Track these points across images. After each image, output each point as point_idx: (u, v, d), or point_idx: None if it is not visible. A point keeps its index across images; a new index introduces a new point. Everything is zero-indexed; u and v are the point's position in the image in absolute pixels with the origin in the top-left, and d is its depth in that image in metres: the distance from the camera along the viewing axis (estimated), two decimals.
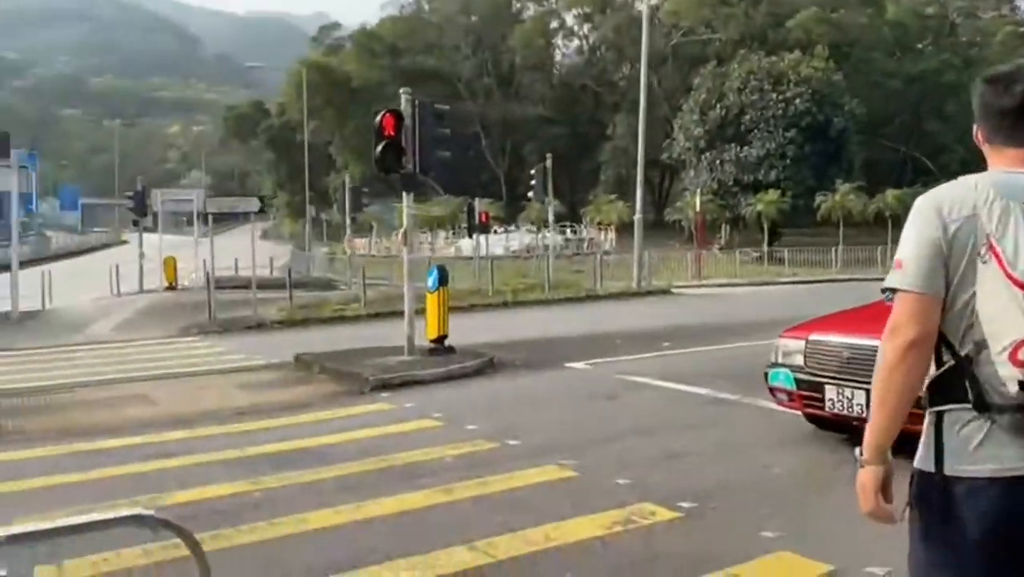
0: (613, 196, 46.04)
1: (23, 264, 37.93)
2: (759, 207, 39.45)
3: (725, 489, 5.88)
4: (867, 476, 2.21)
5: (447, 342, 11.99)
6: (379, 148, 11.23)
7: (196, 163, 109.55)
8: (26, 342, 16.36)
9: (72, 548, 5.02)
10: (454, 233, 48.14)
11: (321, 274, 35.21)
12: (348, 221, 30.22)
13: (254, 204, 18.57)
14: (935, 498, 2.13)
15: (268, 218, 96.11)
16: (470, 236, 33.66)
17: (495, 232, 47.39)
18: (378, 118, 11.25)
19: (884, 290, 2.23)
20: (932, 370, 2.17)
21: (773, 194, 39.28)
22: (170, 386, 10.97)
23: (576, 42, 65.29)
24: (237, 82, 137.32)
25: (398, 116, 11.23)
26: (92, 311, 22.08)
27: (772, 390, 7.13)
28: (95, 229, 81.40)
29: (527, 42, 58.71)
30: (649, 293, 24.22)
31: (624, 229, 40.10)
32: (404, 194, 11.72)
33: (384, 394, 9.90)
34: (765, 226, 39.65)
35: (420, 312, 12.21)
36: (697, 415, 8.33)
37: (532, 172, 27.32)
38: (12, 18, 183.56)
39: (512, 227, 48.86)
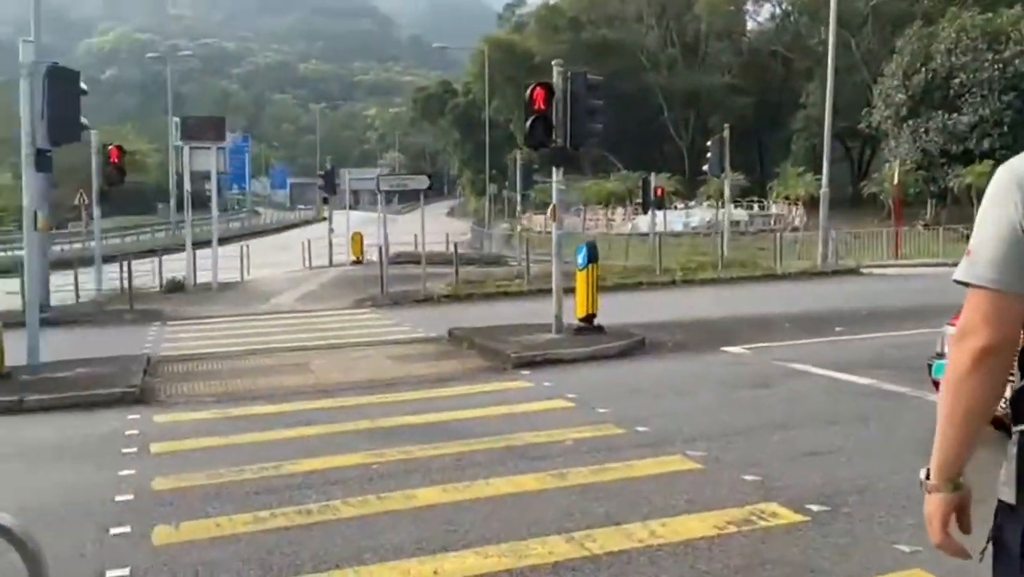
0: (802, 168, 43.42)
1: (235, 238, 41.59)
2: (969, 179, 35.84)
3: (863, 493, 5.28)
4: (934, 504, 1.82)
5: (596, 321, 11.72)
6: (528, 123, 11.08)
7: (392, 143, 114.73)
8: (219, 310, 17.76)
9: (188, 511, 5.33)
10: (633, 209, 47.40)
11: (498, 251, 35.76)
12: (519, 198, 30.53)
13: (423, 182, 19.04)
14: (1013, 536, 1.71)
15: (456, 195, 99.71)
16: (645, 212, 32.94)
17: (675, 208, 46.25)
18: (528, 92, 11.09)
19: (957, 282, 1.80)
20: (1017, 380, 1.74)
21: (986, 165, 35.47)
22: (330, 356, 11.46)
23: (767, 6, 62.06)
24: (431, 63, 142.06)
25: (548, 89, 11.02)
26: (282, 283, 23.63)
27: (936, 384, 6.34)
28: (301, 206, 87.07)
29: (714, 9, 56.46)
30: (835, 273, 22.60)
31: (815, 204, 37.81)
32: (553, 169, 11.51)
33: (525, 372, 9.81)
34: (976, 201, 35.99)
35: (571, 290, 12.02)
36: (852, 408, 7.61)
37: (708, 144, 26.17)
38: (232, 11, 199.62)
39: (692, 203, 47.40)
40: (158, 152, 67.19)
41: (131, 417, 8.11)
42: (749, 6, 63.25)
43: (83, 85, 10.26)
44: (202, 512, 5.36)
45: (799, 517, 4.88)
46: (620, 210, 48.69)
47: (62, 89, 9.66)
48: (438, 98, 71.89)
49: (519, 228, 34.82)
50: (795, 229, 36.34)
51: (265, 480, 5.97)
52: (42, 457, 6.82)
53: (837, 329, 12.28)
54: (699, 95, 57.43)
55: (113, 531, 5.05)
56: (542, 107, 11.05)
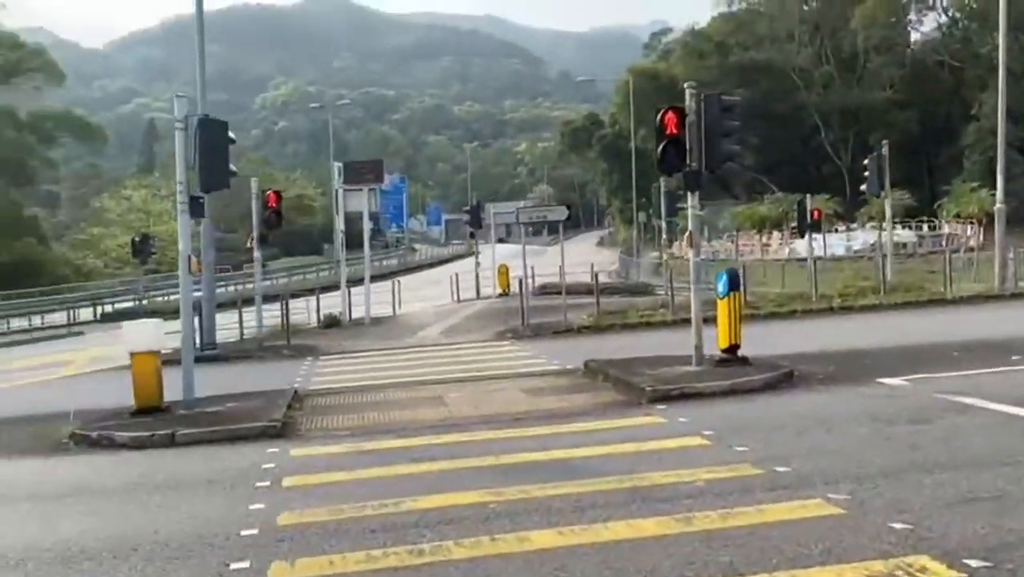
0: (976, 184, 40.20)
1: (392, 274, 43.19)
2: None
3: None
4: None
5: (741, 352, 11.14)
6: (660, 147, 10.76)
7: (541, 176, 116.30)
8: (368, 344, 18.33)
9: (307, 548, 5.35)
10: (790, 233, 45.44)
11: (647, 279, 35.16)
12: (664, 225, 29.93)
13: (562, 213, 19.01)
14: None
15: (605, 225, 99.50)
16: (801, 236, 31.42)
17: (835, 230, 43.95)
18: (659, 116, 10.79)
19: None
20: None
21: None
22: (465, 389, 11.48)
23: (931, 15, 58.44)
24: (579, 98, 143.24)
25: (680, 113, 10.67)
26: (430, 317, 24.17)
27: None
28: (455, 241, 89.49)
29: (871, 21, 53.66)
30: (1014, 297, 20.63)
31: (993, 222, 34.85)
32: (689, 194, 11.09)
33: (661, 406, 9.40)
34: None
35: (712, 320, 11.51)
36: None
37: (865, 163, 24.66)
38: (390, 60, 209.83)
39: (854, 224, 44.89)
40: (323, 196, 70.92)
41: (270, 451, 8.37)
42: (912, 16, 59.83)
43: (231, 135, 10.87)
44: (319, 549, 5.37)
45: (954, 573, 4.31)
46: (776, 234, 46.83)
47: (212, 139, 10.26)
48: (585, 130, 72.19)
49: (665, 256, 34.13)
50: (970, 249, 33.59)
51: (384, 517, 5.94)
52: (183, 489, 7.11)
53: (1014, 358, 11.09)
54: (858, 112, 54.67)
55: (233, 566, 5.14)
56: (674, 131, 10.72)
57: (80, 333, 28.37)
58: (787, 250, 42.74)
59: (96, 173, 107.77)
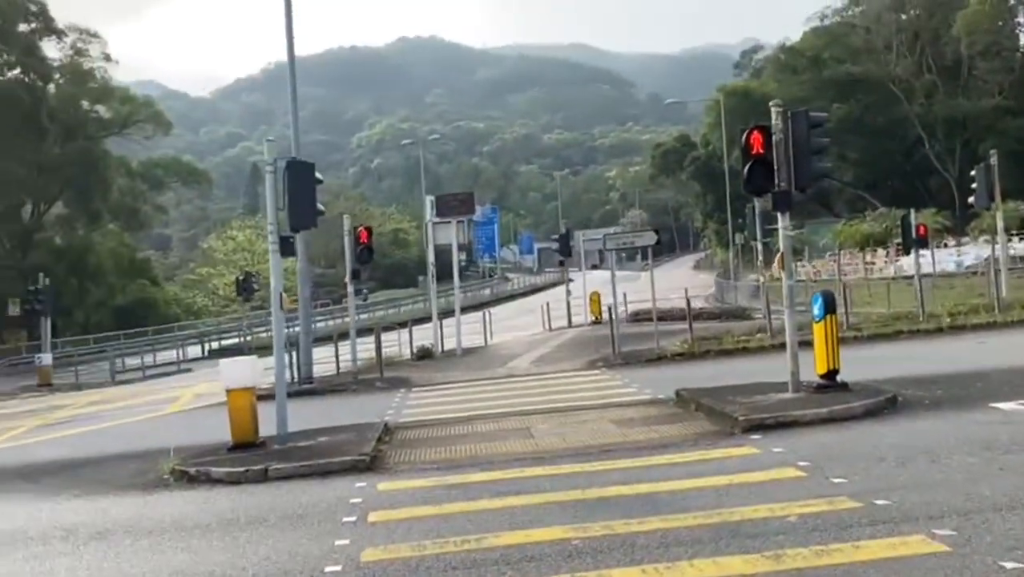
0: None
1: (485, 304, 43.60)
2: None
3: None
4: None
5: (840, 377, 10.66)
6: (746, 168, 10.49)
7: (633, 201, 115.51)
8: (459, 376, 18.42)
9: None
10: (896, 250, 43.58)
11: (745, 303, 34.27)
12: (760, 247, 29.14)
13: (651, 239, 18.72)
14: None
15: (701, 248, 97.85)
16: (907, 253, 30.10)
17: (944, 245, 41.94)
18: (744, 136, 10.53)
19: None
20: None
21: None
22: (553, 420, 11.34)
23: None
24: (669, 120, 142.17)
25: (766, 131, 10.39)
26: (521, 346, 24.15)
27: None
28: (548, 270, 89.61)
29: (975, 27, 51.30)
30: None
31: None
32: (779, 215, 10.75)
33: (755, 436, 9.06)
34: None
35: (810, 344, 11.08)
36: None
37: (972, 174, 23.45)
38: (480, 94, 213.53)
39: (965, 239, 42.71)
40: (418, 229, 72.35)
41: (358, 485, 8.44)
42: (1020, 19, 57.00)
43: (318, 175, 11.17)
44: None
45: None
46: (880, 252, 44.99)
47: (300, 180, 10.57)
48: (676, 152, 71.38)
49: (761, 279, 33.23)
50: None
51: (465, 553, 5.88)
52: (272, 524, 7.22)
53: None
54: (964, 121, 52.26)
55: None
56: (760, 150, 10.45)
57: (189, 370, 29.59)
58: (892, 268, 40.99)
59: (204, 215, 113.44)
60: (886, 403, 9.87)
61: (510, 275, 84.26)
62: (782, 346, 17.05)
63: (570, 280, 34.21)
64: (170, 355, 33.01)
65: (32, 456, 12.62)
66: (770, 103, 10.91)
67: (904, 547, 5.17)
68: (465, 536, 6.25)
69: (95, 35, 50.29)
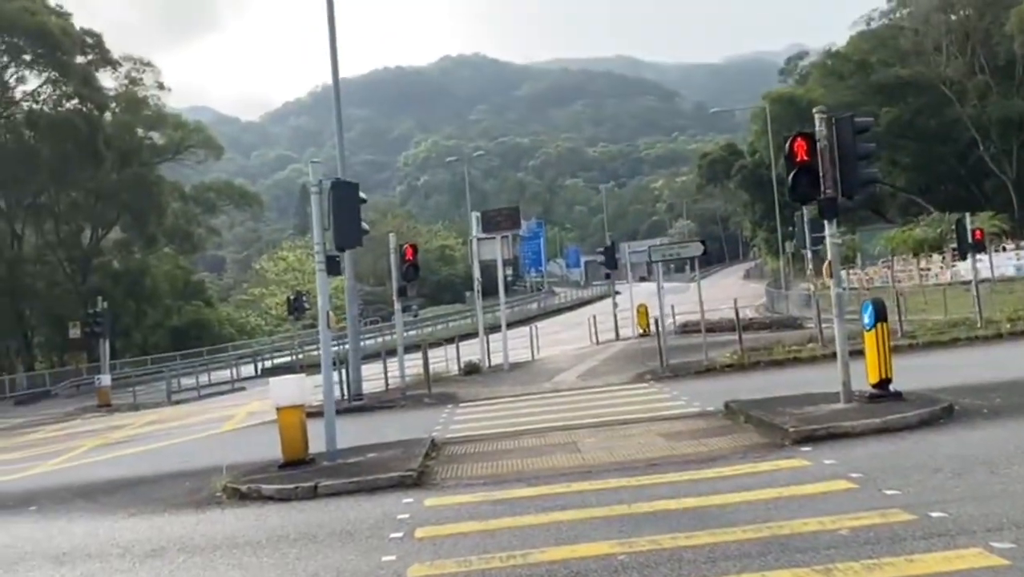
0: None
1: (532, 319, 43.65)
2: None
3: None
4: None
5: (893, 386, 10.43)
6: (791, 176, 10.36)
7: (681, 212, 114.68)
8: (506, 390, 18.43)
9: None
10: (951, 255, 42.50)
11: (796, 312, 33.73)
12: (810, 255, 28.65)
13: (697, 249, 18.58)
14: None
15: (751, 257, 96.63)
16: (963, 258, 29.33)
17: (1003, 249, 40.80)
18: (788, 144, 10.40)
19: None
20: None
21: None
22: (600, 434, 11.28)
23: None
24: (715, 129, 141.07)
25: (810, 138, 10.25)
26: (568, 360, 24.08)
27: None
28: (595, 283, 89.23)
29: None
30: None
31: None
32: (825, 222, 10.58)
33: (805, 448, 8.90)
34: None
35: (860, 353, 10.86)
36: None
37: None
38: (524, 109, 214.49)
39: None
40: (464, 245, 72.78)
41: (405, 501, 8.49)
42: None
43: (362, 195, 11.32)
44: None
45: None
46: (935, 257, 43.93)
47: (344, 200, 10.71)
48: (723, 161, 70.67)
49: (812, 288, 32.69)
50: None
51: (511, 569, 5.88)
52: (321, 541, 7.30)
53: None
54: (1021, 121, 50.87)
55: None
56: (805, 158, 10.31)
57: (242, 389, 30.08)
58: (949, 274, 40.00)
59: (257, 237, 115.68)
60: (942, 412, 9.62)
61: (557, 289, 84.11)
62: (834, 356, 16.77)
63: (617, 293, 34.04)
64: (224, 374, 33.60)
65: (91, 475, 12.95)
66: (814, 109, 10.77)
67: (960, 561, 5.03)
68: (511, 552, 6.25)
69: (149, 64, 51.88)
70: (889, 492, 6.75)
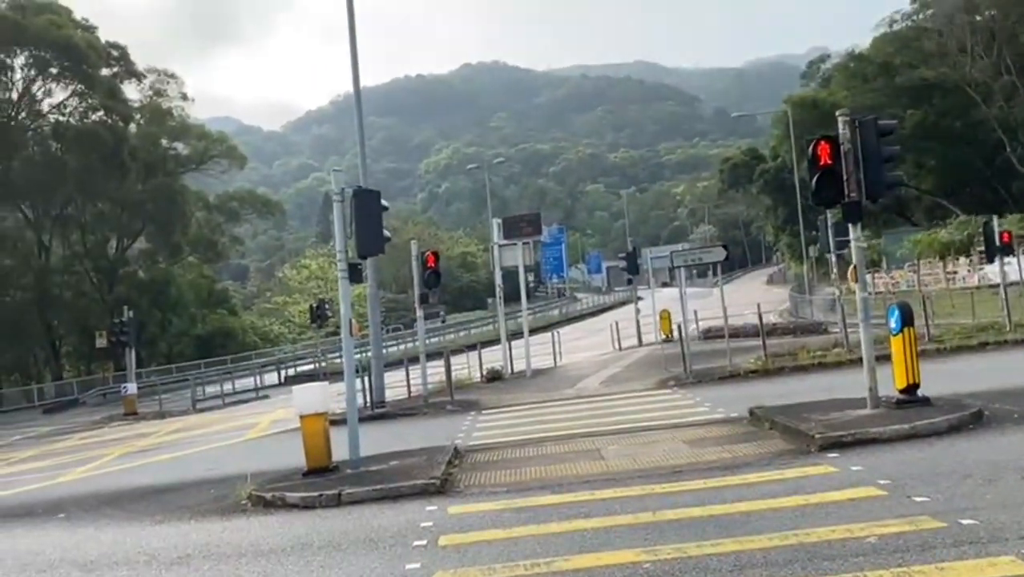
0: None
1: (554, 325, 43.55)
2: None
3: None
4: None
5: (921, 392, 10.29)
6: (814, 179, 10.27)
7: (703, 217, 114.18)
8: (529, 397, 18.40)
9: None
10: (979, 258, 41.93)
11: (821, 317, 33.43)
12: (834, 259, 28.38)
13: (719, 254, 18.49)
14: None
15: (775, 262, 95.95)
16: (990, 261, 28.94)
17: None
18: (810, 147, 10.32)
19: None
20: None
21: None
22: (623, 441, 11.23)
23: None
24: (737, 134, 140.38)
25: (833, 141, 10.17)
26: (591, 366, 24.01)
27: None
28: (618, 288, 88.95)
29: None
30: None
31: None
32: (850, 226, 10.48)
33: (832, 454, 8.80)
34: None
35: (887, 358, 10.73)
36: None
37: None
38: (544, 115, 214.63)
39: None
40: (485, 251, 72.80)
41: (428, 509, 8.49)
42: None
43: (384, 202, 11.36)
44: None
45: None
46: (963, 260, 43.37)
47: (366, 208, 10.76)
48: (745, 166, 70.25)
49: (837, 292, 32.41)
50: None
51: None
52: (344, 549, 7.31)
53: None
54: None
55: None
56: (828, 161, 10.23)
57: (266, 396, 30.26)
58: (977, 277, 39.47)
59: (280, 245, 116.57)
60: (971, 418, 9.48)
61: (579, 295, 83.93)
62: (859, 361, 16.59)
63: (639, 298, 33.92)
64: (248, 382, 33.82)
65: (118, 483, 13.07)
66: (837, 112, 10.68)
67: (992, 569, 4.94)
68: (535, 560, 6.22)
69: (172, 75, 52.51)
70: (918, 499, 6.65)
